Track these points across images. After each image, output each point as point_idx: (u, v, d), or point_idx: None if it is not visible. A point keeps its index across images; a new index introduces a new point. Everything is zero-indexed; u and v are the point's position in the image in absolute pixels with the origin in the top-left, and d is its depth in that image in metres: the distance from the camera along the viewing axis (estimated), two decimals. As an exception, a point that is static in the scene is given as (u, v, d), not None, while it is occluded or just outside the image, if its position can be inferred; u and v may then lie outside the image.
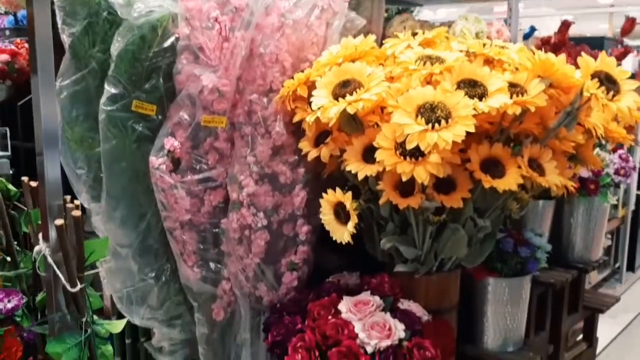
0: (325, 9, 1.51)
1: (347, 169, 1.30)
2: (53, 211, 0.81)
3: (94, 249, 0.87)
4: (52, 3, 1.48)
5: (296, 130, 1.49)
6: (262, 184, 1.49)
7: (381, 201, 1.34)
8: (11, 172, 1.11)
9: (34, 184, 0.98)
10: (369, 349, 1.31)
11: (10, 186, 1.09)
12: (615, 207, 3.59)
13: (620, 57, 2.20)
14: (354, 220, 1.33)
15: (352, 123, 1.28)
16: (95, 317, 0.90)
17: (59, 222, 0.80)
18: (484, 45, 1.33)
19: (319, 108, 1.27)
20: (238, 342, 1.64)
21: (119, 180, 1.64)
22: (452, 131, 1.11)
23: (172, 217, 1.55)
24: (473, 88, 1.18)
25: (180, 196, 1.52)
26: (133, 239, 1.67)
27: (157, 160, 1.52)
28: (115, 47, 1.55)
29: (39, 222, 0.85)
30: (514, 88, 1.22)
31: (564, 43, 1.95)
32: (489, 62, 1.31)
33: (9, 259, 0.98)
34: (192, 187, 1.53)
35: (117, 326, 0.97)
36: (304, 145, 1.44)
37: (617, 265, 3.95)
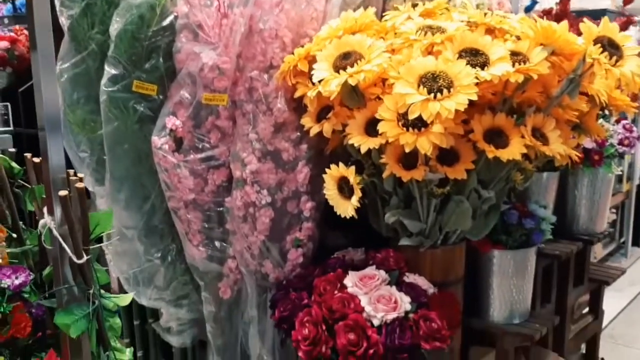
0: (324, -17, 1.49)
1: (350, 142, 1.30)
2: (57, 184, 0.81)
3: (99, 221, 0.87)
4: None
5: (298, 107, 1.49)
6: (265, 162, 1.49)
7: (385, 174, 1.33)
8: (14, 150, 1.11)
9: (37, 160, 0.98)
10: (376, 322, 1.32)
11: (14, 164, 1.09)
12: (619, 181, 3.58)
13: (623, 27, 2.17)
14: (357, 194, 1.33)
15: (353, 96, 1.28)
16: (102, 291, 0.90)
17: (63, 192, 0.80)
18: (485, 14, 1.32)
19: (320, 81, 1.26)
20: (245, 319, 1.65)
21: (122, 162, 1.64)
22: (454, 100, 1.10)
23: (176, 196, 1.56)
24: (475, 57, 1.17)
25: (183, 175, 1.52)
26: (138, 220, 1.67)
27: (159, 140, 1.52)
28: (114, 28, 1.55)
29: (44, 196, 0.85)
30: (516, 56, 1.20)
31: (565, 14, 1.94)
32: (490, 31, 1.29)
33: (15, 235, 0.99)
34: (195, 166, 1.53)
35: (125, 299, 0.97)
36: (306, 121, 1.43)
37: (622, 239, 3.94)
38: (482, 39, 1.20)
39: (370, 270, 1.44)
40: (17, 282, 0.88)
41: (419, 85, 1.13)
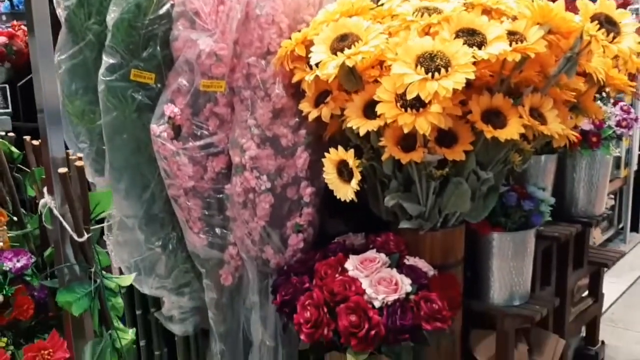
0: (320, -32, 1.49)
1: (349, 125, 1.30)
2: (57, 164, 0.82)
3: (99, 200, 0.87)
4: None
5: (296, 93, 1.49)
6: (264, 147, 1.49)
7: (384, 157, 1.34)
8: (13, 134, 1.11)
9: (36, 142, 0.98)
10: (377, 304, 1.33)
11: (13, 148, 1.10)
12: (617, 167, 3.58)
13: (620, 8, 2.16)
14: (357, 177, 1.33)
15: (351, 78, 1.28)
16: (104, 272, 0.91)
17: (63, 170, 0.80)
18: (482, -4, 1.32)
19: (317, 65, 1.27)
20: (247, 306, 1.66)
21: (121, 152, 1.65)
22: (452, 79, 1.11)
23: (175, 184, 1.56)
24: (472, 37, 1.18)
25: (182, 163, 1.52)
26: (138, 209, 1.68)
27: (158, 128, 1.52)
28: (111, 17, 1.55)
29: (43, 176, 0.85)
30: (513, 36, 1.21)
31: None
32: (487, 12, 1.29)
33: (15, 219, 0.99)
34: (194, 153, 1.53)
35: (126, 280, 0.98)
36: (305, 106, 1.43)
37: (620, 225, 3.95)
38: (479, 19, 1.21)
39: (371, 253, 1.44)
40: (18, 265, 0.88)
41: (416, 65, 1.14)
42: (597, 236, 3.46)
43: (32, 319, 0.92)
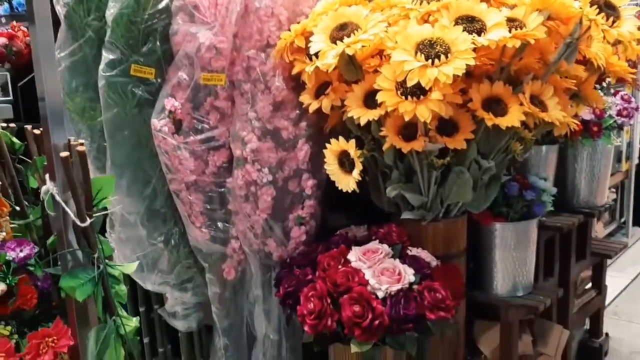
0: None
1: (349, 115, 1.30)
2: (58, 150, 0.82)
3: (101, 186, 0.87)
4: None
5: (296, 85, 1.49)
6: (264, 140, 1.49)
7: (385, 147, 1.34)
8: (15, 125, 1.11)
9: (37, 132, 0.98)
10: (380, 294, 1.33)
11: (15, 139, 1.10)
12: (618, 160, 3.57)
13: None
14: (358, 167, 1.33)
15: (351, 68, 1.28)
16: (107, 261, 0.91)
17: (64, 153, 0.80)
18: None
19: (317, 55, 1.27)
20: (250, 300, 1.66)
21: (122, 148, 1.65)
22: (452, 65, 1.11)
23: (177, 178, 1.56)
24: (471, 24, 1.18)
25: (184, 157, 1.52)
26: (140, 205, 1.68)
27: (158, 123, 1.52)
28: (110, 13, 1.55)
29: (45, 163, 0.85)
30: (513, 22, 1.21)
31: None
32: (486, 0, 1.29)
33: (18, 209, 0.99)
34: (195, 147, 1.53)
35: (130, 267, 0.98)
36: (305, 97, 1.43)
37: (623, 219, 3.94)
38: (478, 6, 1.21)
39: (374, 244, 1.44)
40: (21, 254, 0.88)
41: (416, 53, 1.14)
42: (599, 230, 3.45)
43: (36, 308, 0.92)
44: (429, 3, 1.24)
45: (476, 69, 1.31)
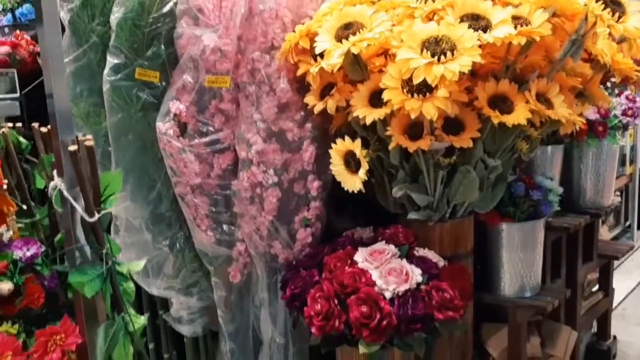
0: (323, -38, 1.50)
1: (355, 114, 1.30)
2: (66, 145, 0.81)
3: (109, 182, 0.87)
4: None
5: (301, 87, 1.49)
6: (270, 142, 1.49)
7: (391, 146, 1.33)
8: (21, 125, 1.11)
9: (44, 129, 0.98)
10: (388, 295, 1.32)
11: (22, 139, 1.10)
12: (622, 164, 3.57)
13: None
14: (364, 167, 1.33)
15: (356, 67, 1.28)
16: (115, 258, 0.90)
17: (72, 147, 0.80)
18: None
19: (322, 56, 1.27)
20: (256, 303, 1.65)
21: (127, 153, 1.65)
22: (458, 62, 1.10)
23: (182, 181, 1.56)
24: (476, 21, 1.18)
25: (189, 160, 1.52)
26: (145, 210, 1.68)
27: (163, 126, 1.52)
28: (115, 17, 1.56)
29: (53, 160, 0.85)
30: (518, 20, 1.21)
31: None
32: None
33: (25, 207, 0.99)
34: (200, 150, 1.53)
35: (137, 265, 0.97)
36: (310, 99, 1.43)
37: (627, 223, 3.93)
38: (483, 4, 1.21)
39: (380, 245, 1.43)
40: (28, 254, 0.88)
41: (422, 50, 1.13)
42: (604, 234, 3.44)
43: (43, 307, 0.91)
44: (434, 1, 1.24)
45: (481, 68, 1.31)
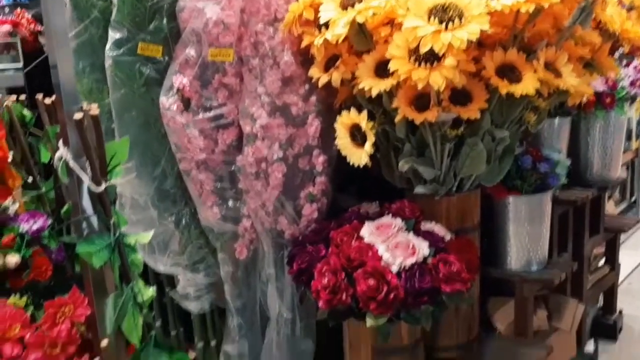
0: None
1: (360, 86, 1.28)
2: (72, 114, 0.80)
3: (115, 151, 0.86)
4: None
5: (305, 60, 1.47)
6: (274, 117, 1.47)
7: (397, 119, 1.32)
8: (25, 97, 1.10)
9: (48, 101, 0.97)
10: (394, 269, 1.31)
11: (26, 111, 1.09)
12: (629, 138, 3.54)
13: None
14: (370, 139, 1.31)
15: (362, 37, 1.26)
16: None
17: (78, 115, 0.79)
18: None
19: (326, 26, 1.24)
20: (263, 279, 1.65)
21: (130, 129, 1.63)
22: (466, 30, 1.08)
23: (187, 157, 1.55)
24: (484, -11, 1.15)
25: (193, 135, 1.51)
26: (150, 186, 1.67)
27: (167, 101, 1.51)
28: (116, -9, 1.53)
29: (58, 131, 0.84)
30: (526, -13, 1.18)
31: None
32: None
33: (30, 180, 0.98)
34: (204, 125, 1.52)
35: (145, 237, 0.97)
36: (314, 71, 1.41)
37: (633, 198, 3.91)
38: (490, -28, 1.18)
39: (387, 219, 1.43)
40: (35, 227, 0.88)
41: (429, 18, 1.11)
42: (610, 209, 3.42)
43: (50, 280, 0.91)
44: (440, -30, 1.21)
45: (488, 38, 1.29)
